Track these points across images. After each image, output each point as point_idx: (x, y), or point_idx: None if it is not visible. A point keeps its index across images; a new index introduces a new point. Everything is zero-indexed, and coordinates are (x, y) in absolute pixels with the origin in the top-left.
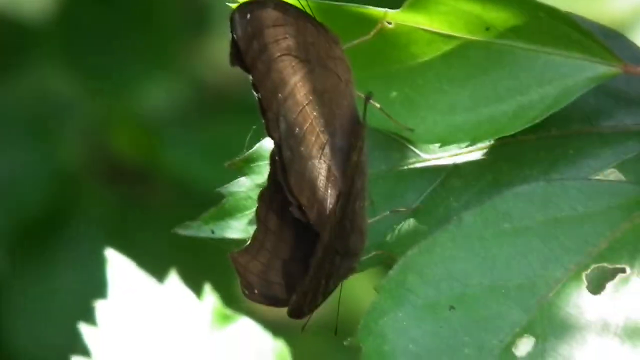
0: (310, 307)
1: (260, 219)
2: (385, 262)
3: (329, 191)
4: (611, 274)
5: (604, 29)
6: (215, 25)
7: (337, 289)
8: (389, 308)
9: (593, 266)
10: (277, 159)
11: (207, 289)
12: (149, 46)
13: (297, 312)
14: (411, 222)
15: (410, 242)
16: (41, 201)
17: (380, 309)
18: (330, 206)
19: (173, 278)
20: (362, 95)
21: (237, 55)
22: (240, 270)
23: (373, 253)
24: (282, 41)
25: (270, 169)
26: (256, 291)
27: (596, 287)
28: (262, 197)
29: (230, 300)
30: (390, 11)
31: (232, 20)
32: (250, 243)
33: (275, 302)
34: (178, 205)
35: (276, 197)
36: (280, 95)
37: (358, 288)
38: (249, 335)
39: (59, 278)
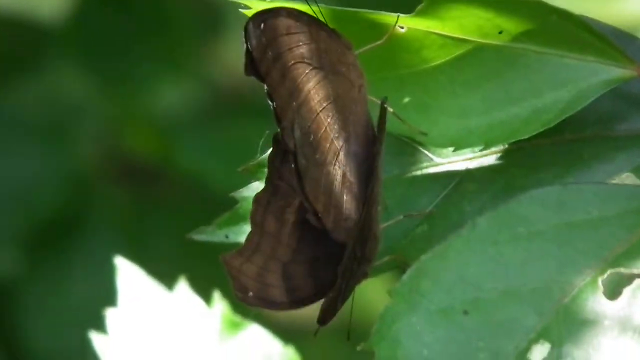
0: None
1: (255, 221)
2: (399, 267)
3: (345, 197)
4: (627, 279)
5: (617, 31)
6: (230, 28)
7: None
8: (403, 313)
9: (609, 271)
10: (292, 166)
11: (217, 296)
12: (163, 48)
13: (328, 320)
14: (425, 226)
15: (423, 246)
16: (55, 203)
17: (393, 314)
18: (347, 212)
19: (182, 285)
20: (376, 100)
21: (252, 65)
22: (233, 272)
23: (387, 257)
24: (295, 49)
25: (268, 172)
26: (251, 294)
27: (612, 292)
28: (258, 200)
29: (240, 307)
30: (402, 16)
31: (246, 30)
32: (244, 246)
33: (272, 305)
34: (192, 208)
35: (274, 199)
36: (294, 103)
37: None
38: (259, 342)
39: (72, 282)
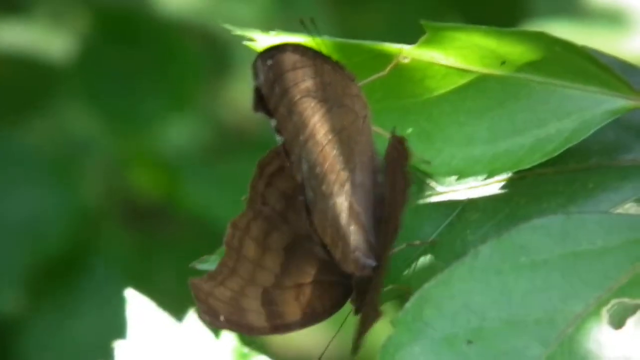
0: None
1: (232, 246)
2: (402, 296)
3: (352, 227)
4: (632, 309)
5: (621, 63)
6: (234, 67)
7: (352, 325)
8: (406, 341)
9: (613, 301)
10: (300, 199)
11: None
12: (169, 87)
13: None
14: (428, 255)
15: (427, 275)
16: (62, 240)
17: (396, 343)
18: (355, 242)
19: (191, 317)
20: (381, 131)
21: (260, 102)
22: (200, 296)
23: (390, 286)
24: (301, 83)
25: (249, 197)
26: (222, 317)
27: (617, 323)
28: (235, 225)
29: (247, 339)
30: (405, 47)
31: (254, 67)
32: (216, 270)
33: (249, 330)
34: (197, 244)
35: (255, 224)
36: (301, 137)
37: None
38: None
39: (78, 317)
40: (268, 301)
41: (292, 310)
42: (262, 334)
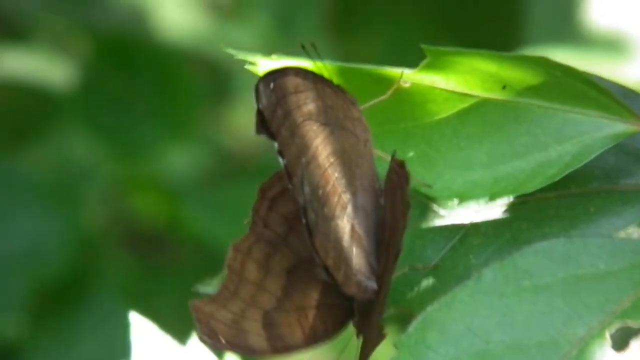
0: None
1: (233, 269)
2: (405, 319)
3: (354, 250)
4: (635, 333)
5: (622, 88)
6: (235, 92)
7: (355, 347)
8: None
9: (616, 324)
10: (303, 221)
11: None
12: (170, 113)
13: None
14: (430, 279)
15: (429, 299)
16: (63, 265)
17: None
18: (357, 266)
19: (195, 340)
20: (382, 155)
21: (263, 124)
22: (202, 318)
23: (392, 310)
24: (303, 106)
25: (252, 221)
26: (223, 340)
27: (620, 346)
28: (237, 248)
29: None
30: (406, 71)
31: (256, 90)
32: (218, 292)
33: (250, 351)
34: (198, 269)
35: (256, 247)
36: (303, 159)
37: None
38: None
39: (81, 343)
40: (269, 323)
41: (294, 332)
42: (263, 355)
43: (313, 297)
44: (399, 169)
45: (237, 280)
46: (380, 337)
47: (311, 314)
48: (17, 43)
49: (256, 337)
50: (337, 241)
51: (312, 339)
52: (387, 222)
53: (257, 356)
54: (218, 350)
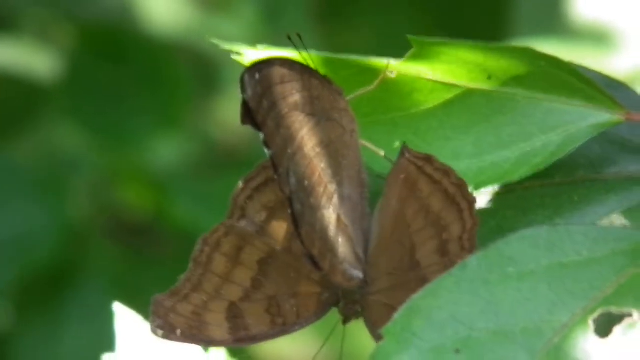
0: None
1: (198, 261)
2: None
3: (340, 240)
4: (618, 319)
5: (606, 78)
6: (223, 83)
7: (340, 334)
8: (394, 352)
9: (600, 311)
10: (289, 212)
11: None
12: (157, 103)
13: None
14: None
15: None
16: (49, 256)
17: (385, 353)
18: (342, 255)
19: None
20: (370, 146)
21: (248, 115)
22: (160, 312)
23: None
24: (289, 97)
25: (230, 210)
26: (179, 331)
27: (603, 332)
28: (205, 241)
29: (235, 352)
30: (392, 61)
31: (242, 81)
32: (180, 285)
33: (209, 342)
34: (185, 260)
35: (227, 240)
36: (289, 150)
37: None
38: None
39: (66, 333)
40: (233, 314)
41: (260, 322)
42: (223, 346)
43: (287, 286)
44: (424, 162)
45: (202, 273)
46: None
47: (283, 303)
48: (2, 33)
49: (217, 328)
50: (323, 231)
51: (282, 328)
52: (389, 212)
53: (216, 346)
54: (172, 341)
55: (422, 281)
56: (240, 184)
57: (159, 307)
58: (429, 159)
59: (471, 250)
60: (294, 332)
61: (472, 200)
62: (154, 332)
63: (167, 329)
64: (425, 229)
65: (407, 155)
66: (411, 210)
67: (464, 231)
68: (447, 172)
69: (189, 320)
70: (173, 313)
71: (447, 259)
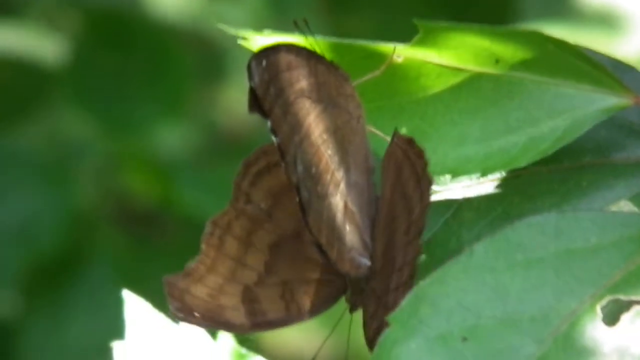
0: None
1: (210, 243)
2: None
3: (347, 227)
4: (626, 306)
5: (614, 61)
6: (228, 71)
7: (348, 322)
8: (402, 339)
9: (608, 298)
10: (296, 199)
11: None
12: (163, 90)
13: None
14: (423, 254)
15: (422, 274)
16: (56, 243)
17: (392, 340)
18: (350, 242)
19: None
20: (376, 131)
21: (255, 102)
22: (175, 293)
23: None
24: (296, 84)
25: (233, 195)
26: (197, 314)
27: (611, 319)
28: (215, 223)
29: (245, 340)
30: (399, 46)
31: (249, 68)
32: (193, 267)
33: (228, 327)
34: (190, 247)
35: (237, 222)
36: (296, 137)
37: None
38: None
39: (73, 320)
40: (249, 298)
41: (276, 307)
42: (241, 331)
43: (298, 272)
44: (406, 146)
45: (215, 255)
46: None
47: (296, 289)
48: (8, 19)
49: (234, 312)
50: (331, 218)
51: (296, 315)
52: (385, 198)
53: (234, 332)
54: (193, 324)
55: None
56: (240, 168)
57: (173, 288)
58: (410, 141)
59: (419, 233)
60: (307, 320)
61: (430, 182)
62: (175, 314)
63: (186, 311)
64: (402, 213)
65: (395, 139)
66: (397, 195)
67: (418, 214)
68: (419, 154)
69: (206, 302)
70: (188, 294)
71: (406, 238)
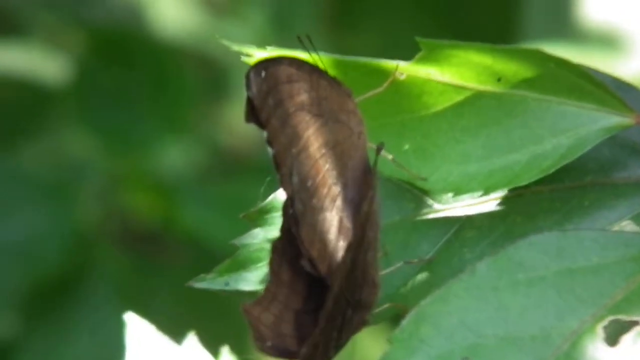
0: None
1: (273, 270)
2: (399, 314)
3: (341, 243)
4: (627, 326)
5: (616, 81)
6: (231, 88)
7: (350, 343)
8: (402, 358)
9: (609, 318)
10: (289, 212)
11: (225, 350)
12: (165, 109)
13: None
14: (425, 273)
15: (424, 293)
16: (57, 262)
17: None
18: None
19: (191, 339)
20: (374, 146)
21: (252, 112)
22: (253, 321)
23: (386, 305)
24: (296, 96)
25: (283, 220)
26: (269, 343)
27: (612, 340)
28: (275, 249)
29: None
30: (402, 63)
31: (247, 77)
32: (262, 295)
33: (287, 354)
34: (194, 266)
35: (289, 248)
36: (293, 149)
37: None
38: None
39: (74, 340)
40: (299, 325)
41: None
42: (295, 358)
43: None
44: (376, 152)
45: (276, 282)
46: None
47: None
48: (11, 38)
49: (291, 339)
50: (324, 233)
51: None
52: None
53: (290, 358)
54: (266, 354)
55: None
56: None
57: (250, 316)
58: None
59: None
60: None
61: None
62: (256, 345)
63: (261, 340)
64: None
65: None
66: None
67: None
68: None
69: (271, 331)
70: (260, 323)
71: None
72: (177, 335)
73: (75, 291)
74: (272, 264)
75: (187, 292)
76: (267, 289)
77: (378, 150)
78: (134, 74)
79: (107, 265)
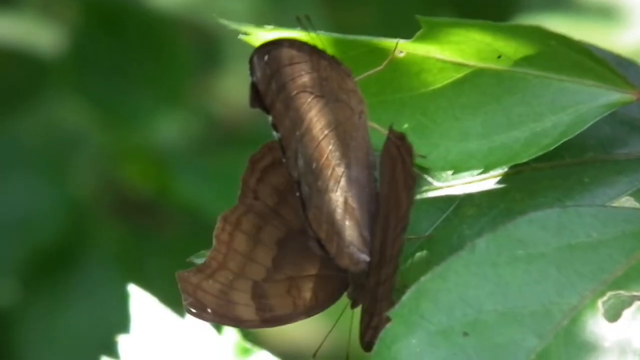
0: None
1: (221, 239)
2: (399, 290)
3: (347, 223)
4: (627, 301)
5: (617, 57)
6: (226, 61)
7: (349, 317)
8: (402, 334)
9: (609, 293)
10: (297, 194)
11: None
12: (160, 81)
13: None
14: (424, 250)
15: (423, 270)
16: (54, 233)
17: (393, 335)
18: (349, 238)
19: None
20: (377, 127)
21: (257, 97)
22: (188, 289)
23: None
24: (298, 79)
25: (241, 191)
26: (209, 310)
27: (612, 315)
28: (225, 219)
29: (249, 334)
30: (401, 41)
31: (251, 62)
32: (205, 263)
33: (238, 323)
34: (190, 237)
35: (246, 219)
36: (297, 132)
37: None
38: None
39: (72, 309)
40: (258, 294)
41: (284, 303)
42: (251, 327)
43: (304, 268)
44: (399, 142)
45: (225, 251)
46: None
47: (302, 285)
48: (5, 8)
49: (244, 308)
50: (330, 214)
51: (303, 310)
52: (383, 194)
53: (245, 327)
54: (205, 321)
55: None
56: (247, 164)
57: (187, 283)
58: (401, 137)
59: (403, 229)
60: (314, 315)
61: (414, 179)
62: (188, 310)
63: (199, 307)
64: (393, 209)
65: (390, 135)
66: (391, 192)
67: (404, 210)
68: (408, 150)
69: (217, 299)
70: (200, 290)
71: (394, 233)
72: (173, 302)
73: (72, 261)
74: (220, 233)
75: (183, 261)
76: (211, 257)
77: (396, 135)
78: (129, 45)
79: (103, 235)
